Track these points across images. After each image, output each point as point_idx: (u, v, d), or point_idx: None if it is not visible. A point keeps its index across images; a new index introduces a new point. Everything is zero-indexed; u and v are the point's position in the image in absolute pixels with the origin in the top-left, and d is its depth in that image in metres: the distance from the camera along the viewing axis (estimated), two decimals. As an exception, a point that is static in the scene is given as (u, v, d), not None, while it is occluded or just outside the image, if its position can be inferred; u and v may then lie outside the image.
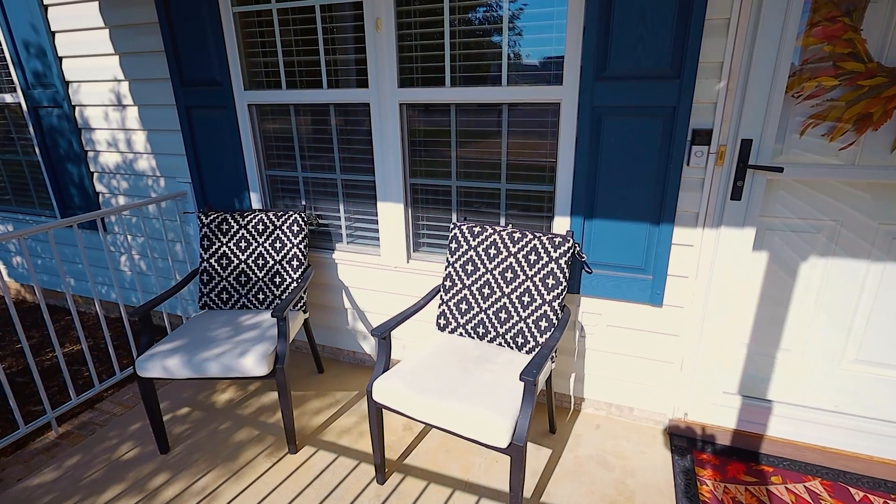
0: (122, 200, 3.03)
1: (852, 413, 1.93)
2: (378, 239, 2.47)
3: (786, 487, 1.84)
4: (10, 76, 3.00)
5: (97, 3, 2.56)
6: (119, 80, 2.70)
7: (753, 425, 2.04)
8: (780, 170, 1.69)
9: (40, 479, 1.98)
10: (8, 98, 3.08)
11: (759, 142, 1.74)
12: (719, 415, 2.09)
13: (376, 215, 2.43)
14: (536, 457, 2.05)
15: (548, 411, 2.16)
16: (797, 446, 1.98)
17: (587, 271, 2.05)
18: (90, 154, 2.99)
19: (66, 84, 2.84)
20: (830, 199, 1.77)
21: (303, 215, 2.37)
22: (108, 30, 2.61)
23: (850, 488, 1.82)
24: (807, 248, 1.85)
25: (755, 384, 2.05)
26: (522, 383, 1.69)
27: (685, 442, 2.09)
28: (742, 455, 2.01)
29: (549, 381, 2.04)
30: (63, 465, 2.05)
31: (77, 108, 2.89)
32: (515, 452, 1.52)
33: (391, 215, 2.34)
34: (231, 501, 1.85)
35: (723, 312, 1.95)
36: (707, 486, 1.85)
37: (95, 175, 3.04)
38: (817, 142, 1.73)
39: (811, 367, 1.96)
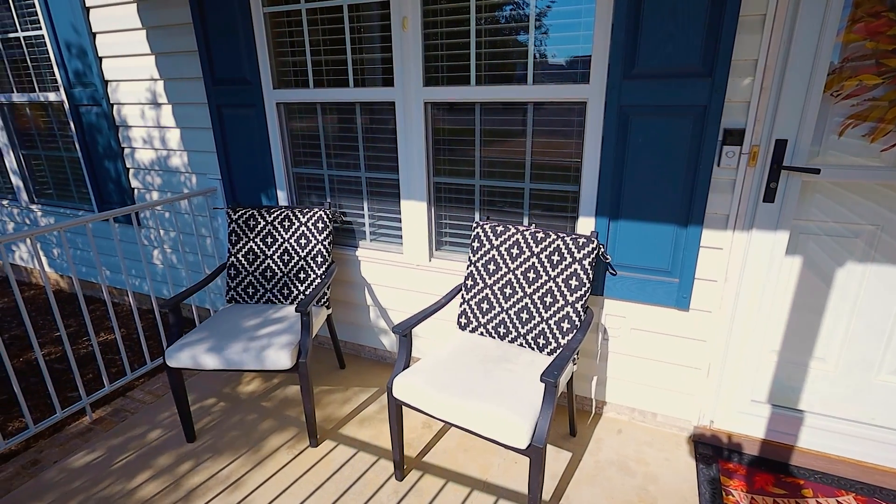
0: (155, 196, 3.13)
1: (890, 426, 1.84)
2: (401, 237, 2.49)
3: (817, 501, 1.77)
4: (54, 75, 3.14)
5: (135, 5, 2.66)
6: (155, 80, 2.79)
7: (783, 435, 1.98)
8: (817, 171, 1.63)
9: (75, 462, 2.06)
10: (52, 96, 3.22)
11: (795, 142, 1.68)
12: (747, 423, 2.02)
13: (399, 213, 2.44)
14: (556, 459, 2.02)
15: (568, 414, 2.14)
16: (830, 459, 1.90)
17: (612, 273, 2.02)
18: (126, 151, 3.10)
19: (106, 83, 2.95)
20: (871, 202, 1.69)
21: (327, 212, 2.41)
22: (145, 31, 2.70)
23: (886, 505, 1.75)
24: (844, 253, 1.78)
25: (786, 393, 1.98)
26: (543, 385, 1.68)
27: (711, 450, 2.04)
28: (771, 466, 1.94)
29: (570, 383, 2.02)
30: (96, 450, 2.13)
31: (115, 107, 3.00)
32: (535, 454, 1.51)
33: (414, 213, 2.35)
34: (253, 491, 1.89)
35: (753, 318, 1.90)
36: (733, 496, 1.80)
37: (131, 171, 3.15)
38: (857, 143, 1.66)
39: (846, 378, 1.89)
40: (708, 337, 1.98)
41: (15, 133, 3.61)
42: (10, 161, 3.67)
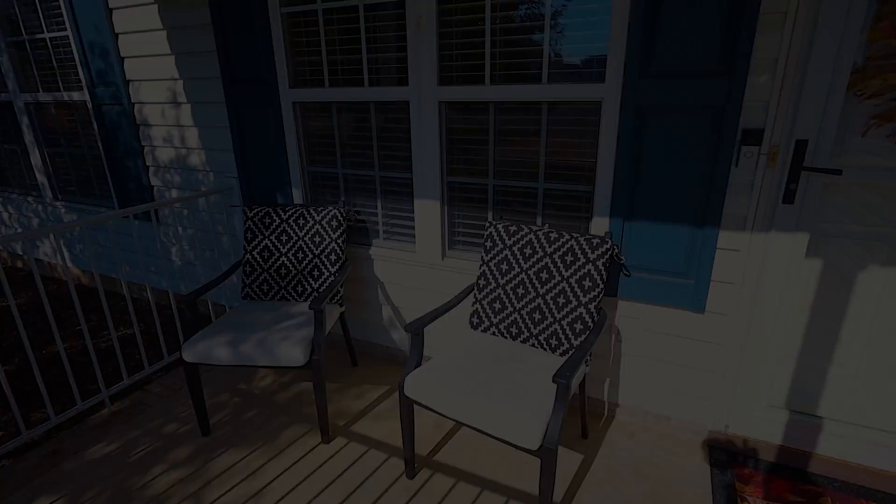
0: (174, 193, 3.19)
1: (914, 435, 1.80)
2: (414, 236, 2.50)
3: (835, 510, 1.73)
4: (78, 75, 3.21)
5: (157, 6, 2.71)
6: (175, 79, 2.84)
7: (801, 442, 1.94)
8: (839, 172, 1.60)
9: (94, 453, 2.11)
10: (75, 96, 3.30)
11: (816, 143, 1.64)
12: (764, 429, 1.99)
13: (413, 212, 2.45)
14: (567, 461, 2.01)
15: (580, 416, 2.12)
16: (851, 467, 1.86)
17: (626, 274, 2.00)
18: (147, 149, 3.16)
19: (127, 83, 3.01)
20: (895, 205, 1.65)
21: (341, 211, 2.43)
22: (166, 31, 2.75)
23: (908, 516, 1.70)
24: (866, 256, 1.73)
25: (805, 399, 1.94)
26: (555, 385, 1.67)
27: (725, 455, 2.00)
28: (788, 473, 1.90)
29: (582, 384, 2.00)
30: (114, 441, 2.18)
31: (136, 106, 3.06)
32: (546, 455, 1.50)
33: (427, 213, 2.36)
34: (266, 486, 1.91)
35: (771, 322, 1.86)
36: (749, 503, 1.77)
37: (151, 169, 3.21)
38: (881, 144, 1.61)
39: (869, 384, 1.84)
40: (724, 340, 1.95)
41: (40, 131, 3.70)
42: (36, 159, 3.77)
